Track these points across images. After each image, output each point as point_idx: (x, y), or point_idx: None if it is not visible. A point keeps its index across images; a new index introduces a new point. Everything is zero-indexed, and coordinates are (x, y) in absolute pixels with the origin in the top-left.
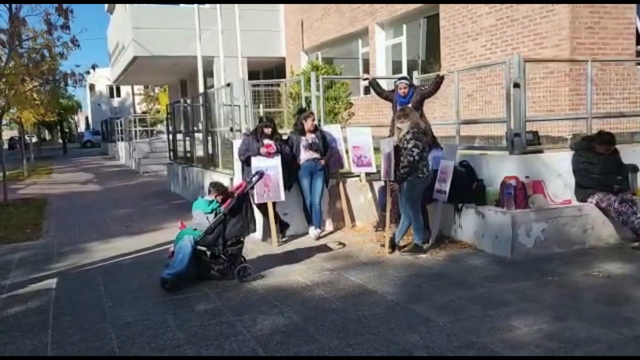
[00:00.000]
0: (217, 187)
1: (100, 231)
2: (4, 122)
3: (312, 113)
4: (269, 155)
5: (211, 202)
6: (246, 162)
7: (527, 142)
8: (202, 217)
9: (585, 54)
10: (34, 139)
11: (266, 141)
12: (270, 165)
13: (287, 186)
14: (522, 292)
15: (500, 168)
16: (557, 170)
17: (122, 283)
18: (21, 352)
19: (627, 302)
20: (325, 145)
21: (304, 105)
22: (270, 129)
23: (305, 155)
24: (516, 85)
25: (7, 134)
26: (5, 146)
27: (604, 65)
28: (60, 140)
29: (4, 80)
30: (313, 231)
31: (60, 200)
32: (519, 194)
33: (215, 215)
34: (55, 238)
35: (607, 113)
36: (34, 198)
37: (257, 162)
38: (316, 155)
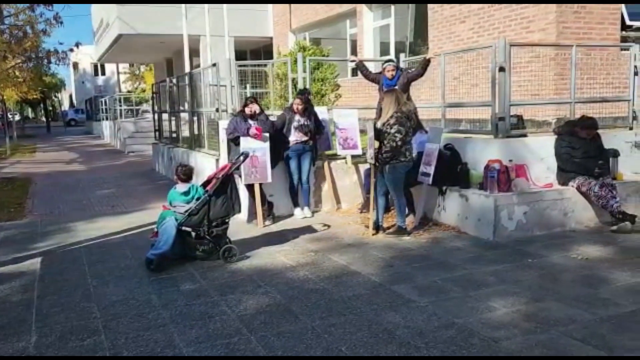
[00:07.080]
0: (178, 171)
1: (85, 211)
2: None
3: (303, 95)
4: (256, 137)
5: (186, 192)
6: (234, 142)
7: (511, 126)
8: (184, 208)
9: (571, 39)
10: (17, 117)
11: (255, 124)
12: (259, 147)
13: (273, 164)
14: (502, 274)
15: (485, 151)
16: (540, 154)
17: (107, 263)
18: (5, 330)
19: (604, 284)
20: (318, 125)
21: (290, 86)
22: (250, 109)
23: (294, 137)
24: (501, 69)
25: None
26: None
27: (589, 50)
28: (43, 119)
29: None
30: (299, 212)
31: (44, 179)
32: (502, 177)
33: (198, 199)
34: (39, 217)
35: (590, 98)
36: (17, 177)
37: (245, 143)
38: (305, 137)
